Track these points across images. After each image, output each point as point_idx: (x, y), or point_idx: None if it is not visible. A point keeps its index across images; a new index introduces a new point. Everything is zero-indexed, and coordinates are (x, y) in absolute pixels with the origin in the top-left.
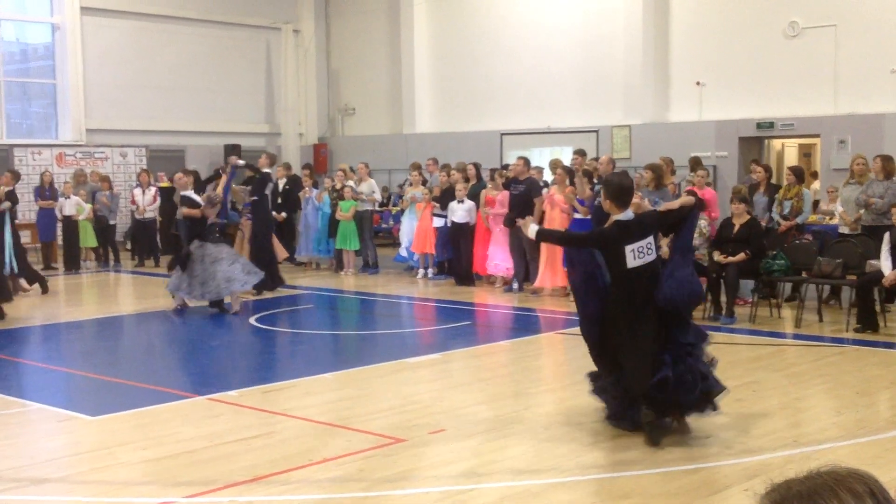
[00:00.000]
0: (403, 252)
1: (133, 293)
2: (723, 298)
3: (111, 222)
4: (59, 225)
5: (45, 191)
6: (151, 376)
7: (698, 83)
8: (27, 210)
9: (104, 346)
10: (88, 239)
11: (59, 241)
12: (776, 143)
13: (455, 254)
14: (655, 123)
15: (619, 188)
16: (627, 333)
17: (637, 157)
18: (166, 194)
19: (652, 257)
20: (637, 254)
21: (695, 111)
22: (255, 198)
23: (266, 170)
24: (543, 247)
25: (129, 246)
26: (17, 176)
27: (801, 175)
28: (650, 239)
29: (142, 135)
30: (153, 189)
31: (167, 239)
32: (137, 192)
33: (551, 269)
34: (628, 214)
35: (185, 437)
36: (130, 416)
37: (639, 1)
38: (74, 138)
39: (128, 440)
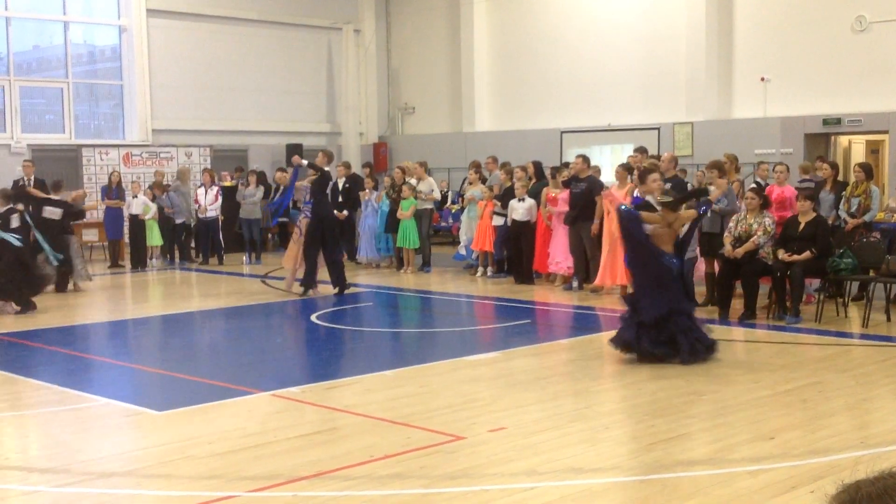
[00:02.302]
0: (463, 250)
1: (197, 291)
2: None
3: (178, 221)
4: (126, 224)
5: (113, 190)
6: (216, 372)
7: (763, 79)
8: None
9: (170, 343)
10: (155, 237)
11: (126, 239)
12: (843, 140)
13: (515, 252)
14: (718, 120)
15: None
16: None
17: (699, 154)
18: (229, 193)
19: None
20: None
21: (759, 107)
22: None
23: (325, 168)
24: (604, 245)
25: (193, 244)
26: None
27: (869, 172)
28: None
29: (206, 135)
30: (216, 188)
31: (230, 237)
32: (200, 191)
33: (612, 267)
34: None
35: (250, 433)
36: (196, 411)
37: None
38: (141, 138)
39: (193, 435)
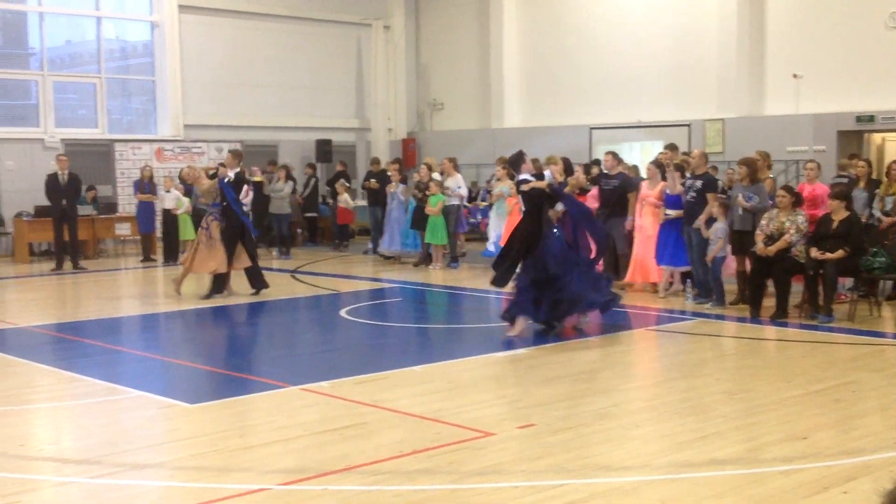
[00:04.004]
0: (491, 247)
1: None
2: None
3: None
4: (159, 218)
5: (145, 185)
6: (246, 366)
7: (795, 75)
8: (127, 203)
9: (201, 337)
10: (187, 231)
11: (159, 233)
12: (876, 138)
13: None
14: (750, 117)
15: (515, 161)
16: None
17: (731, 151)
18: (258, 188)
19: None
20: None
21: (791, 104)
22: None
23: (234, 170)
24: (635, 242)
25: None
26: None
27: None
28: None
29: (236, 130)
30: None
31: (261, 231)
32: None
33: (641, 264)
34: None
35: (280, 426)
36: (227, 404)
37: None
38: (172, 133)
39: (225, 428)
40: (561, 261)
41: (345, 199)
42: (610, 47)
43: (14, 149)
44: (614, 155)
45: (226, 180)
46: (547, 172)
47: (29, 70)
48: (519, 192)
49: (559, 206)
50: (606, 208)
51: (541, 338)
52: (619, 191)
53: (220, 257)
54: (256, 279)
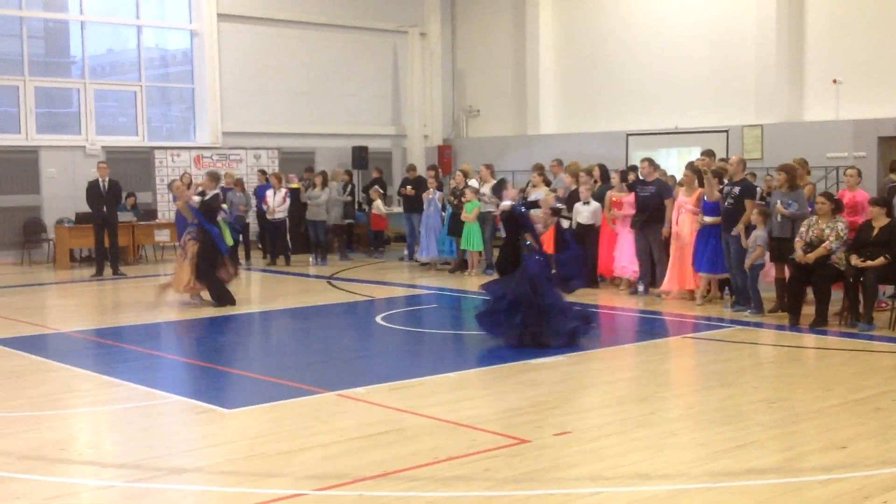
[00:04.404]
0: None
1: (264, 292)
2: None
3: (245, 221)
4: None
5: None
6: (283, 372)
7: (835, 81)
8: (166, 210)
9: (238, 342)
10: (225, 238)
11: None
12: None
13: None
14: (789, 123)
15: (493, 189)
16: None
17: (769, 157)
18: (296, 195)
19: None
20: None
21: (831, 110)
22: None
23: (213, 192)
24: (672, 249)
25: (260, 245)
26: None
27: None
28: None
29: (274, 137)
30: (283, 190)
31: (297, 238)
32: (269, 192)
33: (679, 271)
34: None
35: (316, 432)
36: (264, 409)
37: None
38: (211, 141)
39: (261, 433)
40: (536, 284)
41: (377, 205)
42: (646, 53)
43: (56, 156)
44: (651, 161)
45: (191, 202)
46: (560, 178)
47: (71, 78)
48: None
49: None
50: (643, 215)
51: (575, 346)
52: (656, 197)
53: (188, 276)
54: (222, 295)
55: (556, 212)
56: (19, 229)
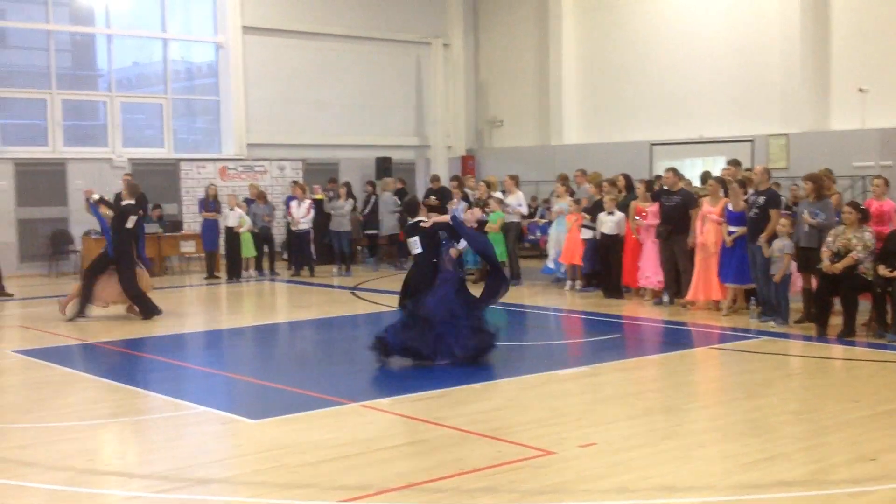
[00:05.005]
0: (551, 264)
1: (290, 302)
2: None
3: (270, 232)
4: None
5: (210, 203)
6: (308, 383)
7: (861, 89)
8: (192, 221)
9: (263, 353)
10: (249, 249)
11: (222, 251)
12: None
13: (604, 266)
14: (815, 132)
15: (406, 205)
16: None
17: (795, 167)
18: (320, 206)
19: (417, 250)
20: (410, 246)
21: (857, 119)
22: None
23: (128, 202)
24: (697, 259)
25: (285, 256)
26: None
27: None
28: (415, 239)
29: (298, 148)
30: (308, 201)
31: (321, 249)
32: (293, 204)
33: (704, 281)
34: (415, 219)
35: (341, 443)
36: (289, 420)
37: (796, 4)
38: (236, 152)
39: (286, 444)
40: (443, 306)
41: (386, 218)
42: (670, 62)
43: (83, 168)
44: (675, 171)
45: (98, 209)
46: (584, 188)
47: (97, 91)
48: (417, 229)
49: (461, 244)
50: (668, 225)
51: (601, 355)
52: (681, 207)
53: (116, 285)
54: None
55: (480, 224)
56: (47, 241)
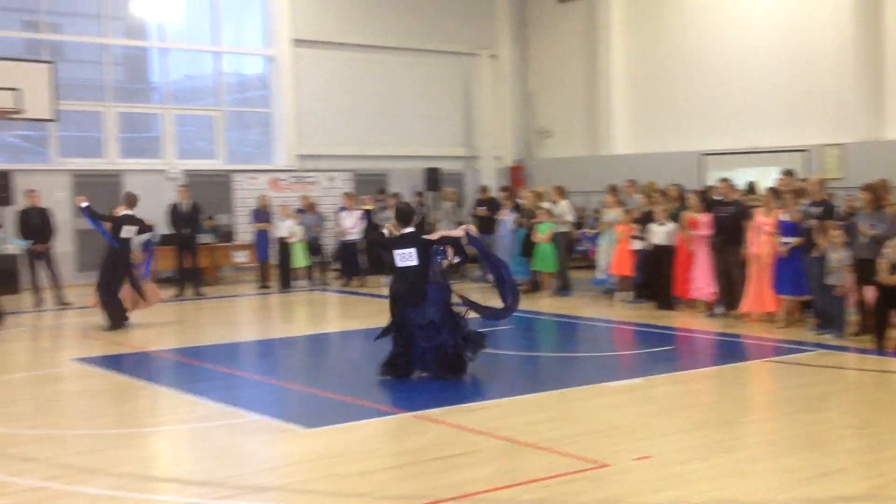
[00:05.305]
0: (601, 275)
1: (340, 312)
2: None
3: (319, 242)
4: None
5: (261, 214)
6: (359, 392)
7: None
8: (245, 232)
9: (315, 362)
10: (300, 259)
11: (274, 261)
12: None
13: (655, 277)
14: (871, 142)
15: (400, 213)
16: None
17: (851, 177)
18: (369, 216)
19: (412, 262)
20: (401, 258)
21: None
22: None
23: (126, 212)
24: (752, 270)
25: (335, 266)
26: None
27: None
28: (412, 250)
29: (348, 160)
30: (358, 212)
31: (371, 259)
32: (343, 214)
33: (759, 292)
34: (406, 230)
35: (393, 452)
36: (341, 429)
37: (848, 11)
38: (287, 164)
39: (338, 453)
40: (440, 312)
41: (445, 225)
42: (721, 71)
43: (138, 179)
44: (729, 181)
45: (89, 214)
46: (634, 198)
47: (151, 104)
48: (411, 241)
49: (455, 258)
50: (722, 236)
51: (654, 367)
52: (735, 218)
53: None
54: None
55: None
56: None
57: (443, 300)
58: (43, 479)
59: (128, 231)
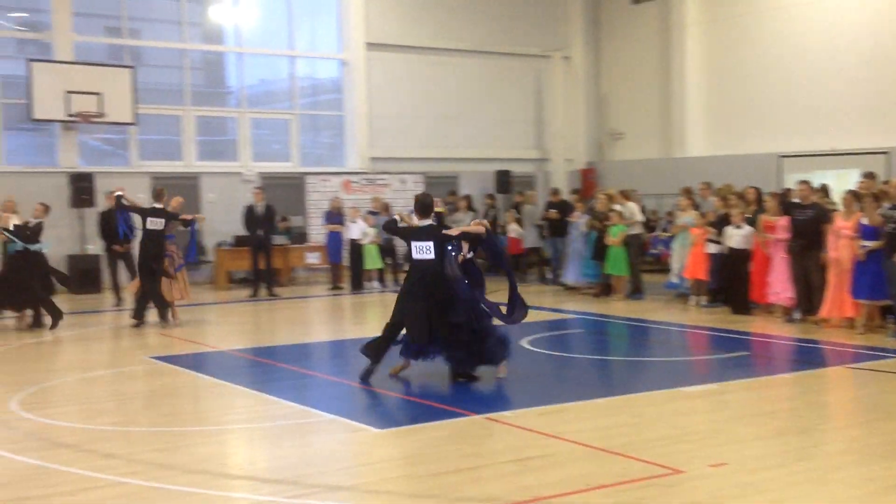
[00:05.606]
0: (674, 278)
1: None
2: None
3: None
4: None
5: (334, 216)
6: (431, 393)
7: None
8: (317, 233)
9: (386, 363)
10: (372, 261)
11: (346, 262)
12: None
13: (731, 281)
14: None
15: (420, 204)
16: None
17: None
18: (440, 219)
19: (429, 256)
20: (417, 250)
21: None
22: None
23: (155, 205)
24: (831, 275)
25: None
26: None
27: None
28: (429, 244)
29: (419, 162)
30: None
31: None
32: (414, 216)
33: (838, 297)
34: (424, 222)
35: (465, 454)
36: (413, 430)
37: None
38: (359, 166)
39: (412, 454)
40: (470, 308)
41: (514, 228)
42: (798, 72)
43: (215, 182)
44: (809, 184)
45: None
46: (709, 201)
47: (227, 107)
48: (428, 234)
49: (469, 253)
50: (800, 240)
51: (729, 372)
52: (814, 222)
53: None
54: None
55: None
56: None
57: (472, 298)
58: (123, 474)
59: (152, 223)
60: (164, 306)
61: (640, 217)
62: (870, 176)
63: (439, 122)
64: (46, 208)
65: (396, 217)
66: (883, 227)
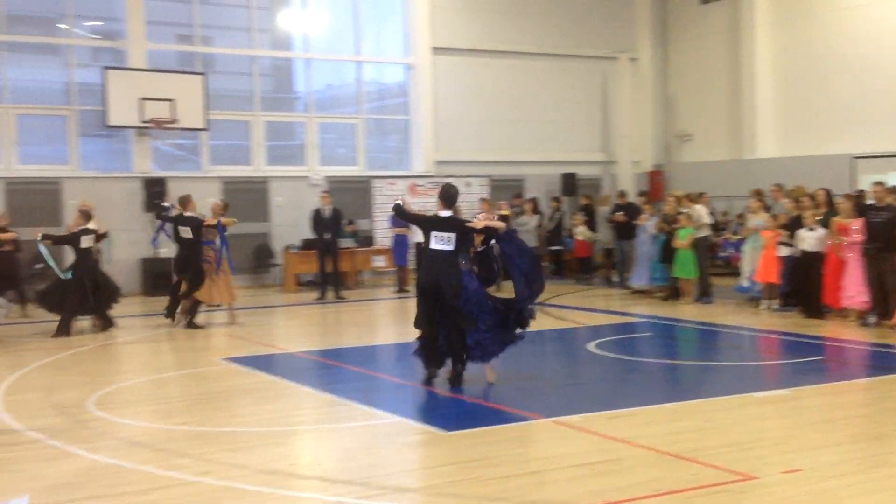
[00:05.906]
0: (745, 282)
1: None
2: None
3: None
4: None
5: (400, 219)
6: (498, 396)
7: None
8: (383, 237)
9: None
10: None
11: (412, 265)
12: None
13: (803, 284)
14: None
15: (446, 194)
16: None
17: None
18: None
19: (448, 247)
20: (438, 240)
21: None
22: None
23: (186, 213)
24: None
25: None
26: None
27: None
28: (451, 235)
29: (485, 165)
30: (494, 217)
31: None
32: (481, 216)
33: None
34: (446, 213)
35: (533, 458)
36: (480, 433)
37: None
38: (425, 169)
39: (479, 456)
40: (477, 304)
41: (581, 231)
42: (872, 70)
43: (283, 186)
44: (883, 185)
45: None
46: (781, 203)
47: (295, 112)
48: (460, 226)
49: (481, 246)
50: (876, 243)
51: (802, 378)
52: (889, 224)
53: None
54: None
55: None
56: (251, 255)
57: (475, 292)
58: (196, 474)
59: (184, 231)
60: (188, 309)
61: (707, 220)
62: None
63: (505, 124)
64: (87, 214)
65: (400, 202)
66: None
